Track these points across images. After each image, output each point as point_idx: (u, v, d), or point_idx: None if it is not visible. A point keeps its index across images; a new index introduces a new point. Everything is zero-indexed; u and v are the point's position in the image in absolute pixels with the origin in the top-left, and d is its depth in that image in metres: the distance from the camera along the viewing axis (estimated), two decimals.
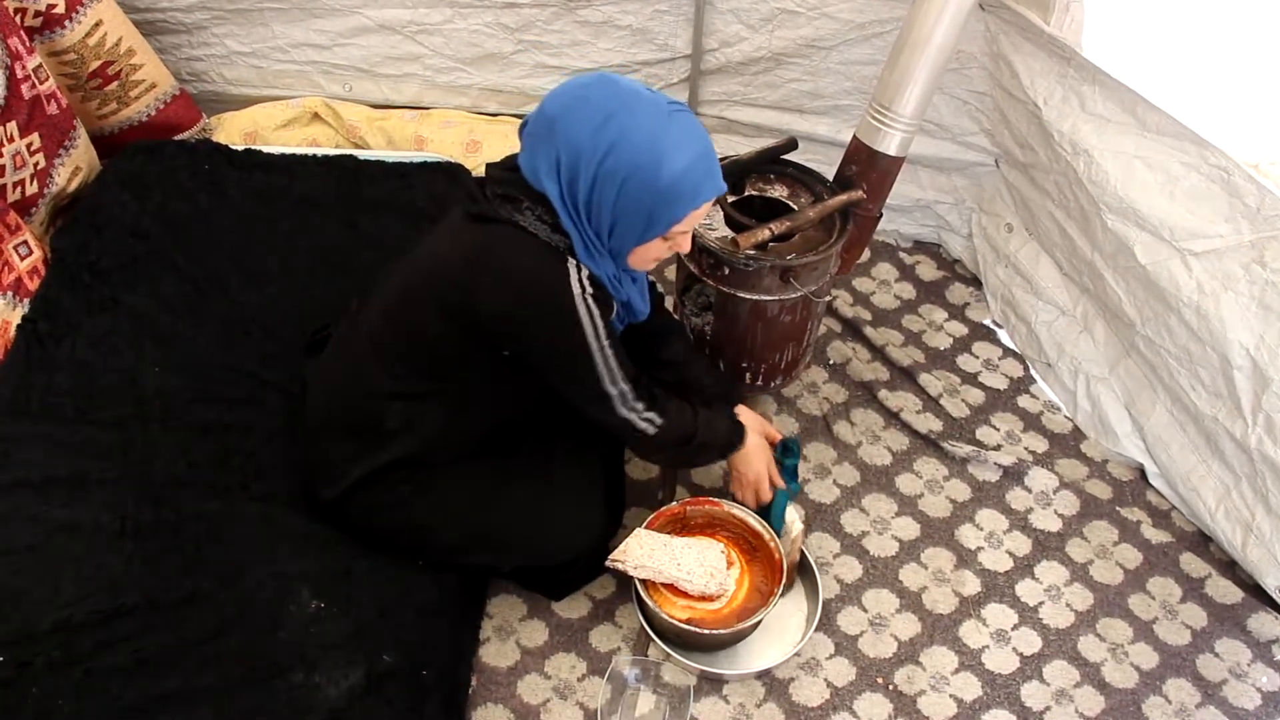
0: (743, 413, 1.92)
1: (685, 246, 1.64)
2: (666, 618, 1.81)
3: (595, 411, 1.67)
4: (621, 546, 1.86)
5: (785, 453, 1.97)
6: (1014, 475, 2.26)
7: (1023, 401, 2.43)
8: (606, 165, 1.46)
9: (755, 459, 1.89)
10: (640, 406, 1.68)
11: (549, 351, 1.62)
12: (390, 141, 2.64)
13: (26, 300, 2.03)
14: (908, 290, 2.70)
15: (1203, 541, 2.16)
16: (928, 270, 2.76)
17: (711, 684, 1.88)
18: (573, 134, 1.47)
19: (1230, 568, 2.11)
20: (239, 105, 2.73)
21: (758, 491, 1.92)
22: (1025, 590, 2.06)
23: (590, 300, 1.56)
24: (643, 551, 1.84)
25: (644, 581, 1.85)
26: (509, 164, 1.61)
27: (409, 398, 1.71)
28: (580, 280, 1.56)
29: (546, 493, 1.84)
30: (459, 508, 1.80)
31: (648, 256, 1.62)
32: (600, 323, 1.58)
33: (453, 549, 1.83)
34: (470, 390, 1.72)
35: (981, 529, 2.16)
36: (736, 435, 1.86)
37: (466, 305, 1.57)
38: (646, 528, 1.92)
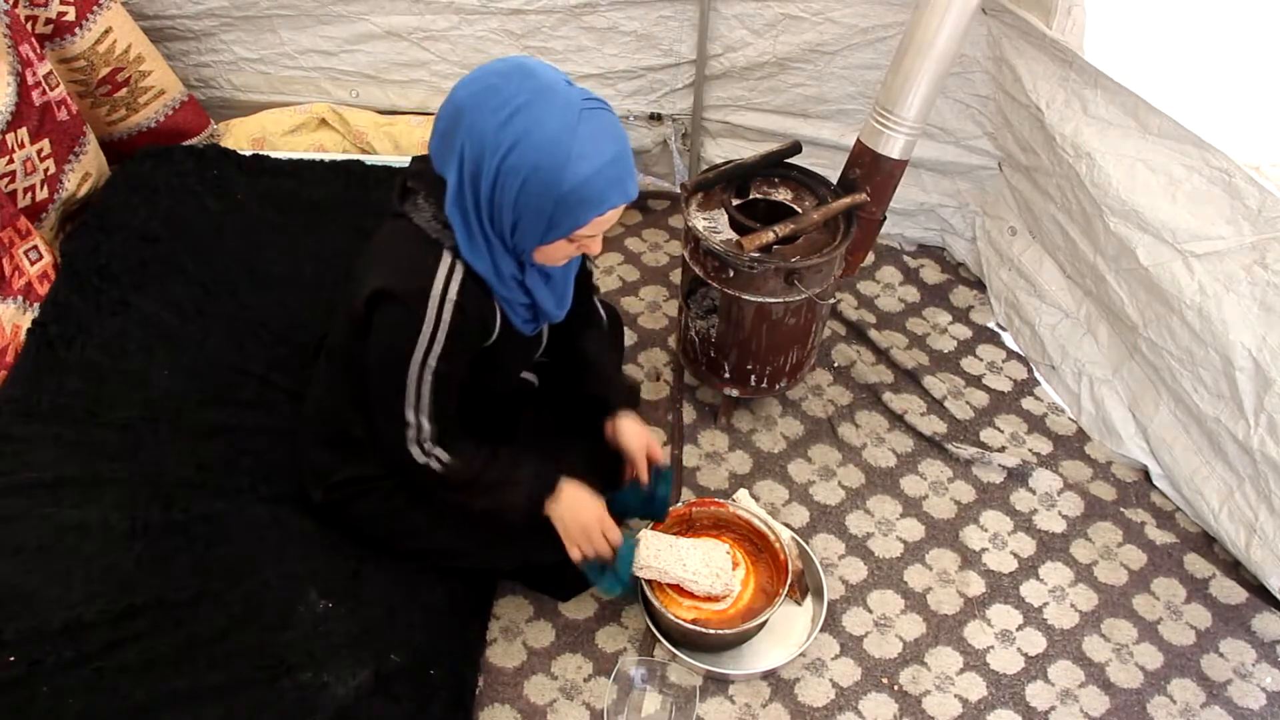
0: (624, 426, 1.82)
1: (594, 249, 1.55)
2: (672, 618, 1.82)
3: (385, 433, 1.58)
4: None
5: (655, 483, 1.86)
6: (1018, 477, 2.27)
7: (1027, 404, 2.44)
8: (509, 162, 1.38)
9: (573, 513, 1.72)
10: (427, 445, 1.59)
11: (376, 346, 1.53)
12: (397, 147, 2.65)
13: (37, 304, 2.05)
14: (912, 293, 2.71)
15: (1207, 542, 2.17)
16: (931, 273, 2.77)
17: (717, 684, 1.89)
18: (478, 126, 1.39)
19: (1234, 568, 2.12)
20: (247, 111, 2.74)
21: (589, 542, 1.74)
22: (1030, 591, 2.07)
23: (448, 307, 1.48)
24: (649, 552, 1.85)
25: (650, 582, 1.86)
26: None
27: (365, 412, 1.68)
28: (447, 280, 1.48)
29: None
30: (454, 511, 1.77)
31: (554, 256, 1.53)
32: (440, 341, 1.49)
33: (452, 552, 1.83)
34: None
35: (986, 530, 2.17)
36: (542, 489, 1.69)
37: (354, 308, 1.52)
38: (652, 529, 1.93)
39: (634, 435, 1.85)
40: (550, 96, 1.38)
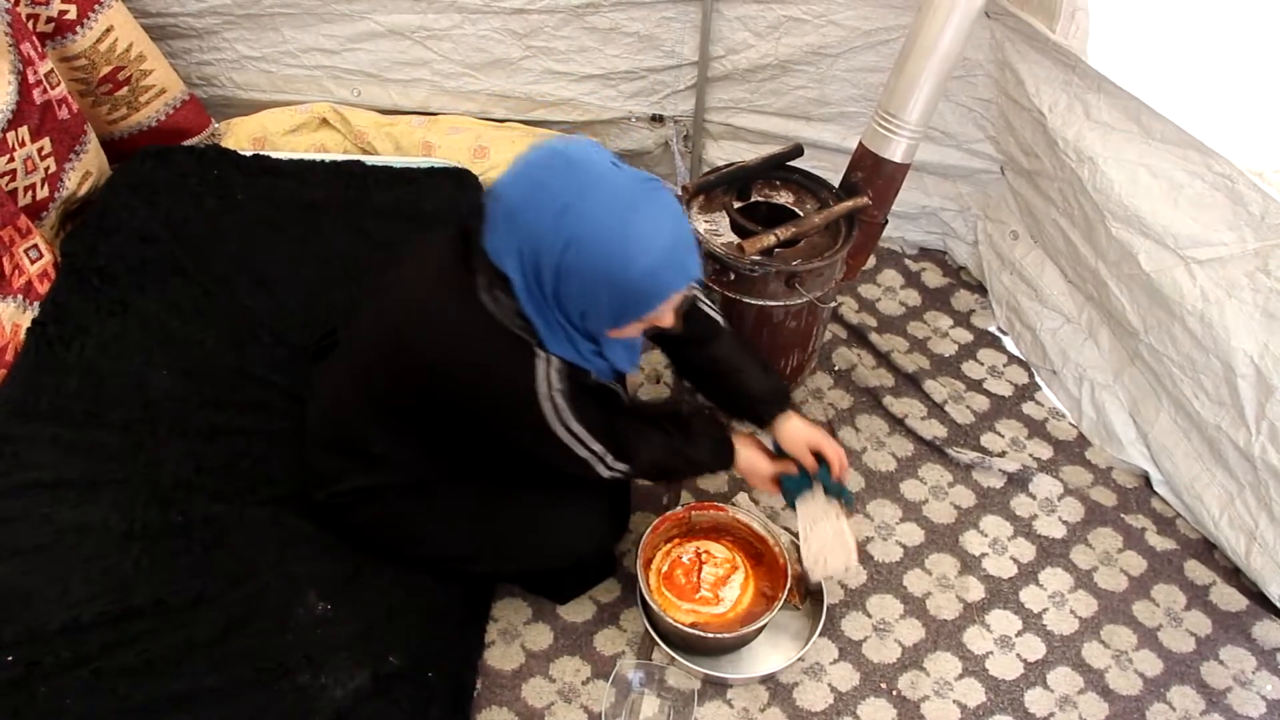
0: (783, 433, 1.84)
1: (667, 324, 1.54)
2: (671, 622, 1.82)
3: (578, 473, 1.66)
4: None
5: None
6: (1018, 482, 2.26)
7: (1027, 408, 2.44)
8: (568, 260, 1.38)
9: (752, 476, 1.87)
10: (610, 459, 1.65)
11: (516, 436, 1.62)
12: (398, 147, 2.65)
13: (36, 303, 2.05)
14: (913, 297, 2.70)
15: (1207, 549, 2.16)
16: (933, 277, 2.76)
17: (715, 688, 1.89)
18: (532, 225, 1.38)
19: (1234, 575, 2.11)
20: (248, 110, 2.74)
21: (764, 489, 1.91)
22: (1029, 596, 2.06)
23: (556, 396, 1.52)
24: (803, 507, 1.86)
25: (648, 585, 1.86)
26: None
27: (390, 432, 1.69)
28: (549, 378, 1.51)
29: (550, 500, 1.81)
30: (461, 521, 1.80)
31: (629, 333, 1.54)
32: (567, 410, 1.55)
33: (456, 559, 1.84)
34: (448, 430, 1.68)
35: (986, 535, 2.17)
36: (721, 461, 1.82)
37: (430, 386, 1.55)
38: (651, 532, 1.93)
39: (792, 440, 1.84)
40: (598, 187, 1.37)
